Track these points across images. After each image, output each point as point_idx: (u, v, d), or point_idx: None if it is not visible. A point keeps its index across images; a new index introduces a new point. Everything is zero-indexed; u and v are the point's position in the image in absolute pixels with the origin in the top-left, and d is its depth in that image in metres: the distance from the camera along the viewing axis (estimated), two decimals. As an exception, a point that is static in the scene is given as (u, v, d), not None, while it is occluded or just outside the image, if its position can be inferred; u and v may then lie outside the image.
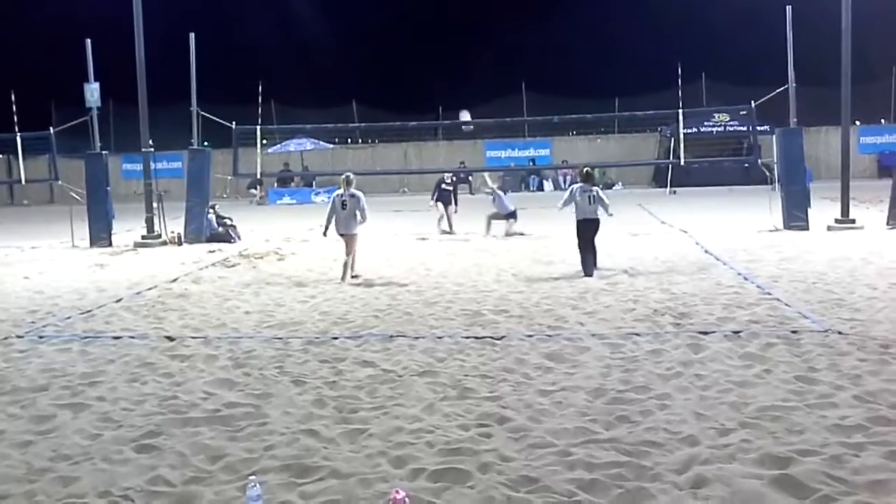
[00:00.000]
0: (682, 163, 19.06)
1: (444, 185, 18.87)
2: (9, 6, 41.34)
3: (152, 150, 18.49)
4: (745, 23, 37.92)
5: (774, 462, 4.68)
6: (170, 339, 8.28)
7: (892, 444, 4.85)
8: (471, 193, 33.83)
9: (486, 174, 19.73)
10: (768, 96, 17.46)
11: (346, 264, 11.77)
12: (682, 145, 17.82)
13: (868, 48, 28.79)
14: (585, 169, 12.32)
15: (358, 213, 11.77)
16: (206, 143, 20.63)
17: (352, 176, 12.01)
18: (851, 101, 17.11)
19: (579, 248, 11.85)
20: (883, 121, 38.03)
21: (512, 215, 17.39)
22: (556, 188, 35.54)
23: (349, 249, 11.85)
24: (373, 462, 4.90)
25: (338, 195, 11.96)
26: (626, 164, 37.38)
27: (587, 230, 11.80)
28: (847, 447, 4.86)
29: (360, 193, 11.93)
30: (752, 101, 17.47)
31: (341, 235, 11.94)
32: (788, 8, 17.23)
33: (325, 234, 12.20)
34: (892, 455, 4.70)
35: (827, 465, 4.60)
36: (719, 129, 33.70)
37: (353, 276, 11.69)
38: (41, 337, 8.51)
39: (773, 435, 5.11)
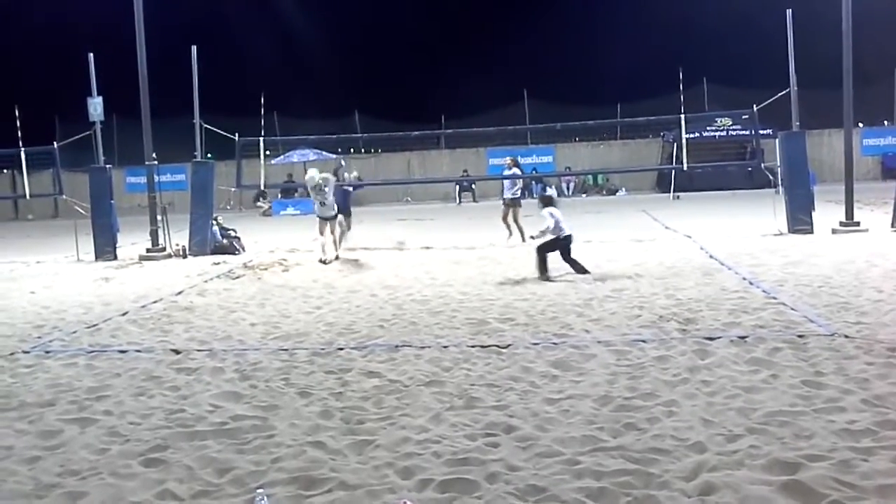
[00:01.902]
0: (684, 168, 19.05)
1: (345, 189, 18.69)
2: (11, 21, 41.53)
3: (156, 162, 18.54)
4: (745, 27, 37.99)
5: (783, 468, 4.67)
6: (176, 352, 8.29)
7: (901, 449, 4.83)
8: (474, 201, 33.93)
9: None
10: (770, 100, 17.45)
11: (334, 241, 15.29)
12: (684, 150, 17.80)
13: (869, 50, 28.76)
14: (547, 195, 13.18)
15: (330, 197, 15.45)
16: (209, 155, 20.67)
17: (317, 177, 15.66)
18: (854, 104, 17.08)
19: (543, 258, 12.11)
20: (886, 122, 38.00)
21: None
22: (560, 195, 35.52)
23: (333, 228, 15.35)
24: (380, 473, 4.89)
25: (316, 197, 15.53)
26: (629, 171, 37.38)
27: (565, 245, 12.23)
28: (856, 452, 4.84)
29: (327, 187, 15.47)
30: (755, 105, 17.46)
31: (327, 218, 15.35)
32: (788, 11, 17.24)
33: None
34: (901, 459, 4.69)
35: (836, 471, 4.58)
36: (722, 133, 33.70)
37: (331, 258, 14.79)
38: (47, 352, 8.53)
39: (782, 440, 5.10)
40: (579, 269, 12.13)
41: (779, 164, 17.60)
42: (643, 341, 7.86)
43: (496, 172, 37.81)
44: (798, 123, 17.45)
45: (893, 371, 6.44)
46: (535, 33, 46.25)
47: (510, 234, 17.38)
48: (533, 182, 37.01)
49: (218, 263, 15.75)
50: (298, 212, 32.36)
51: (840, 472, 4.57)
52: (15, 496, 4.78)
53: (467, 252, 16.11)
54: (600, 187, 37.13)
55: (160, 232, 17.87)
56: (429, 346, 8.06)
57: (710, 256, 13.68)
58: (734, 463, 4.78)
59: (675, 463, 4.84)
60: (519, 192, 17.87)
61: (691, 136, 26.01)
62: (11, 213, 39.71)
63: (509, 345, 7.97)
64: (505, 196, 17.68)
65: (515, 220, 17.45)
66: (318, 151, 35.57)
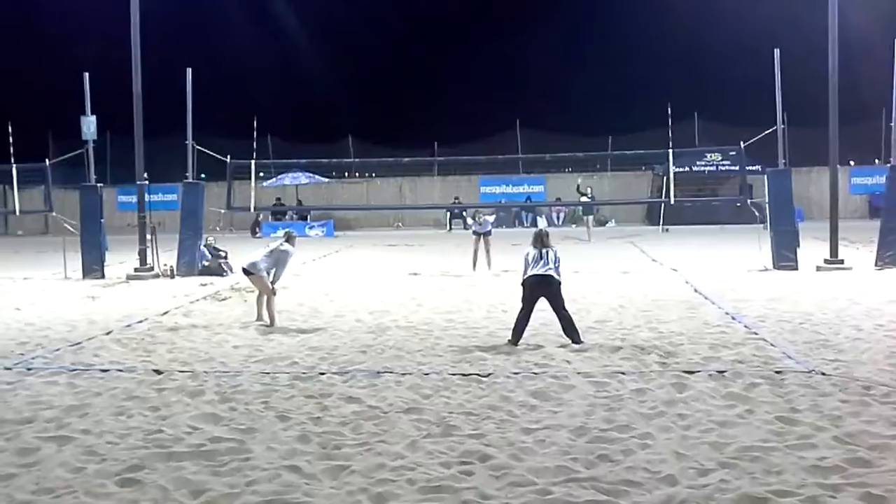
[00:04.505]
0: (672, 202, 19.21)
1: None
2: (8, 38, 41.75)
3: (147, 182, 18.60)
4: (738, 63, 38.43)
5: (751, 503, 4.72)
6: (157, 372, 8.30)
7: (869, 486, 4.89)
8: (464, 228, 34.02)
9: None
10: (757, 138, 17.65)
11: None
12: (672, 184, 17.97)
13: (863, 88, 29.13)
14: (538, 231, 10.01)
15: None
16: (202, 176, 20.70)
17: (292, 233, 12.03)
18: (845, 142, 17.33)
19: (520, 313, 9.59)
20: (877, 161, 38.29)
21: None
22: (549, 224, 35.70)
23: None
24: (353, 499, 4.93)
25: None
26: (618, 203, 37.73)
27: (537, 289, 9.52)
28: (824, 488, 4.90)
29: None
30: (741, 142, 17.67)
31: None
32: (776, 51, 17.51)
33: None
34: (867, 497, 4.75)
35: (803, 507, 4.64)
36: (711, 168, 34.05)
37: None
38: (29, 369, 8.53)
39: (752, 475, 5.15)
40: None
41: (766, 200, 17.76)
42: (623, 373, 7.92)
43: (487, 200, 38.13)
44: (785, 161, 17.65)
45: (867, 409, 6.52)
46: (528, 64, 46.69)
47: (474, 267, 17.46)
48: (522, 211, 37.36)
49: (205, 285, 15.79)
50: (289, 235, 32.36)
51: (807, 508, 4.62)
52: (-12, 513, 4.80)
53: (455, 279, 16.19)
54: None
55: (149, 252, 17.89)
56: (410, 373, 8.09)
57: (695, 290, 13.78)
58: (704, 497, 4.83)
59: (646, 495, 4.89)
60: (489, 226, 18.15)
61: (681, 170, 26.27)
62: (1, 228, 39.69)
63: (490, 373, 8.01)
64: (485, 230, 17.88)
65: (487, 251, 17.57)
66: (311, 175, 35.74)
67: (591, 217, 29.08)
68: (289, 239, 11.71)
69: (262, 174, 31.67)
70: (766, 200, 17.79)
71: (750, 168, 22.26)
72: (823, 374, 7.71)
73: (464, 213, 35.05)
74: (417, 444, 5.92)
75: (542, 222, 36.74)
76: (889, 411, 6.45)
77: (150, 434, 6.23)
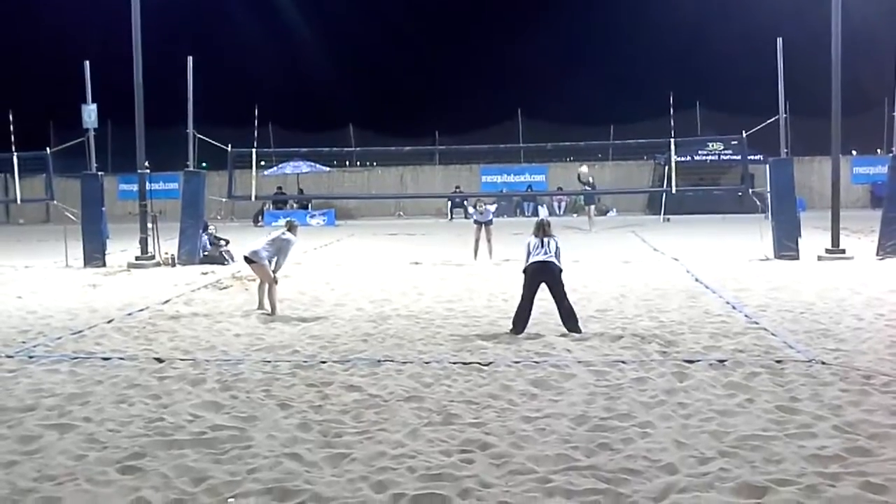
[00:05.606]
0: (673, 191, 19.18)
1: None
2: (9, 27, 41.67)
3: (148, 171, 18.59)
4: (740, 52, 38.33)
5: (751, 491, 4.74)
6: (159, 360, 8.32)
7: (868, 475, 4.90)
8: (465, 217, 34.00)
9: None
10: (758, 127, 17.58)
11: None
12: (673, 174, 17.94)
13: (867, 78, 29.01)
14: (539, 221, 10.10)
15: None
16: (203, 165, 20.65)
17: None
18: (847, 132, 17.24)
19: (521, 301, 9.59)
20: (879, 151, 38.20)
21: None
22: (550, 214, 35.69)
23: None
24: (354, 486, 4.94)
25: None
26: (619, 192, 37.66)
27: (538, 275, 9.55)
28: (823, 477, 4.91)
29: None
30: (744, 131, 17.63)
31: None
32: (779, 40, 17.43)
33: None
34: (867, 485, 4.76)
35: (802, 495, 4.65)
36: (713, 157, 33.99)
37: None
38: (31, 357, 8.55)
39: (752, 464, 5.16)
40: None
41: (768, 189, 17.73)
42: (623, 362, 7.93)
43: (489, 189, 38.08)
44: (787, 150, 17.61)
45: (867, 398, 6.53)
46: (530, 54, 46.54)
47: (476, 256, 17.44)
48: (523, 200, 37.32)
49: (206, 273, 15.80)
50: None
51: (806, 496, 4.64)
52: (-10, 500, 4.81)
53: (456, 268, 16.19)
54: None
55: (150, 240, 17.90)
56: (411, 362, 8.11)
57: (696, 279, 13.77)
58: (703, 485, 4.84)
59: (646, 484, 4.90)
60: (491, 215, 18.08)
61: (683, 159, 26.21)
62: (3, 216, 39.72)
63: (491, 362, 8.02)
64: (486, 219, 17.83)
65: (488, 240, 17.55)
66: (312, 164, 35.70)
67: (592, 206, 29.04)
68: (290, 228, 11.74)
69: (263, 163, 31.68)
70: (768, 190, 17.75)
71: (752, 157, 22.25)
72: (824, 363, 7.71)
73: (465, 203, 35.03)
74: (418, 433, 5.93)
75: (543, 212, 36.72)
76: (889, 400, 6.46)
77: (152, 422, 6.25)
